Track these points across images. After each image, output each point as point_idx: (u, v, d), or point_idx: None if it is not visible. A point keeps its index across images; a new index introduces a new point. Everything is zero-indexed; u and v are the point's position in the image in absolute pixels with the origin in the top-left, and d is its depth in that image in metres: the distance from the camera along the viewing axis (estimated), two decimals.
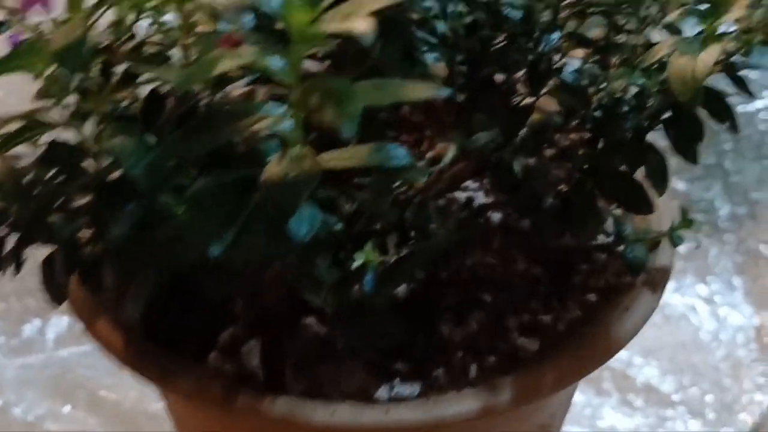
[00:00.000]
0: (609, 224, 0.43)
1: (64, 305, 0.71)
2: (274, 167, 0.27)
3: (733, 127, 0.31)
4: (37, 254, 0.34)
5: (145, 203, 0.26)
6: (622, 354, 0.78)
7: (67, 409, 0.64)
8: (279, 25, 0.34)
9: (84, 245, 0.29)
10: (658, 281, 0.38)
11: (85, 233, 0.30)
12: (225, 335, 0.36)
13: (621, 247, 0.40)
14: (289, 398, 0.33)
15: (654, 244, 0.40)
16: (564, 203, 0.37)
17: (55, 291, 0.31)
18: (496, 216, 0.44)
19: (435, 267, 0.40)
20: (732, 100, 0.93)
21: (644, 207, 0.35)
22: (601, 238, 0.43)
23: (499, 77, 0.42)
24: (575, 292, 0.40)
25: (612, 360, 0.80)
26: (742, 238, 0.81)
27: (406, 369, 0.36)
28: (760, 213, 0.82)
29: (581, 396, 0.72)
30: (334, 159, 0.29)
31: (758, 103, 0.82)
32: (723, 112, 0.31)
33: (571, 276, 0.41)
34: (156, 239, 0.27)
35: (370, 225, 0.35)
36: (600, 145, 0.35)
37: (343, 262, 0.36)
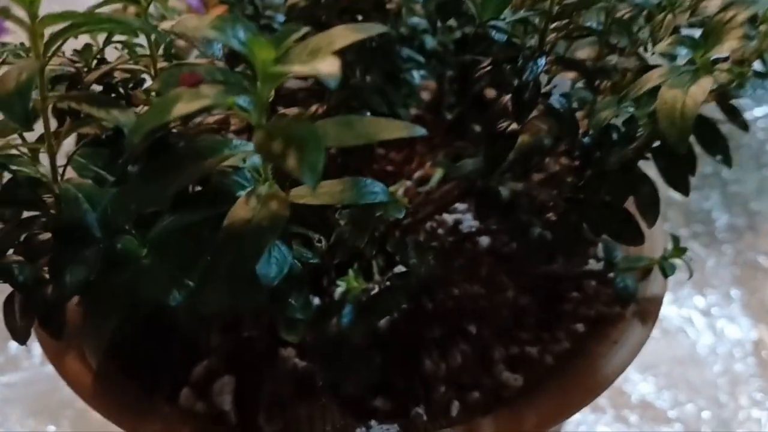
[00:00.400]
0: (600, 250, 0.42)
1: None
2: (240, 209, 0.25)
3: (727, 161, 0.29)
4: None
5: (103, 248, 0.25)
6: None
7: (52, 429, 0.63)
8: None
9: (44, 286, 0.28)
10: (648, 312, 0.36)
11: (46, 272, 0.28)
12: (199, 369, 0.35)
13: (611, 275, 0.38)
14: None
15: (645, 272, 0.38)
16: (551, 230, 0.35)
17: (17, 331, 0.29)
18: (484, 240, 0.43)
19: (419, 297, 0.39)
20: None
21: (634, 238, 0.33)
22: (593, 263, 0.42)
23: (490, 92, 0.41)
24: (564, 321, 0.38)
25: None
26: (740, 249, 0.80)
27: (385, 406, 0.35)
28: (759, 224, 0.80)
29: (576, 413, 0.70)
30: (307, 196, 0.27)
31: (757, 111, 0.81)
32: (716, 143, 0.29)
33: (561, 304, 0.40)
34: (115, 284, 0.26)
35: (349, 254, 0.34)
36: (588, 173, 0.34)
37: (324, 291, 0.35)
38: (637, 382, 0.73)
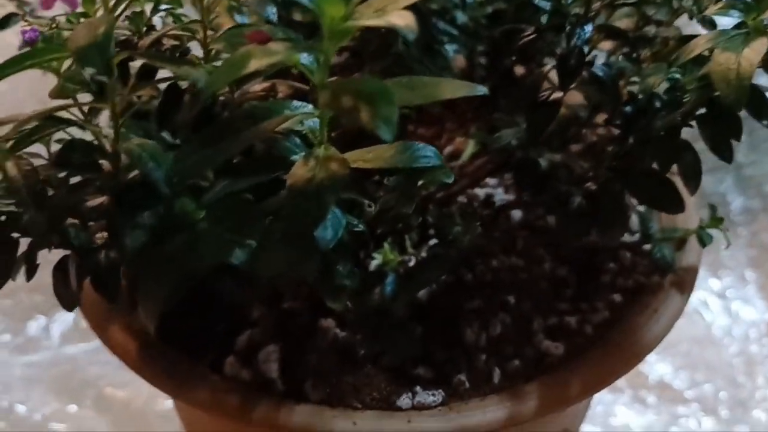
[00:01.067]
0: (634, 222, 0.42)
1: None
2: (300, 170, 0.25)
3: None
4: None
5: (161, 210, 0.25)
6: None
7: (73, 408, 0.63)
8: (299, 17, 0.32)
9: (98, 250, 0.28)
10: (686, 281, 0.37)
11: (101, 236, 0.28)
12: (242, 339, 0.35)
13: (647, 246, 0.38)
14: (308, 407, 0.31)
15: (681, 243, 0.39)
16: (591, 202, 0.35)
17: (68, 297, 0.29)
18: (517, 214, 0.43)
19: (458, 270, 0.39)
20: None
21: (676, 206, 0.33)
22: (627, 236, 0.42)
23: (519, 70, 0.41)
24: (602, 292, 0.39)
25: None
26: (755, 231, 0.80)
27: (427, 375, 0.35)
28: None
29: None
30: (360, 159, 0.27)
31: None
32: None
33: (598, 276, 0.40)
34: (173, 248, 0.26)
35: (391, 225, 0.34)
36: (630, 141, 0.34)
37: (361, 263, 0.35)
38: (654, 363, 0.74)
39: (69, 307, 0.30)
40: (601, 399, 0.72)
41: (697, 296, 0.80)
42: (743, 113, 0.41)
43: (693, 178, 0.32)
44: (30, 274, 0.28)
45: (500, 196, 0.44)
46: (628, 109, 0.34)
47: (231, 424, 0.32)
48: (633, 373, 0.77)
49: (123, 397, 0.63)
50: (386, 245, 0.37)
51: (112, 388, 0.63)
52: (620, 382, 0.75)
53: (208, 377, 0.33)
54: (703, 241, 0.36)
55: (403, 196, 0.31)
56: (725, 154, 0.31)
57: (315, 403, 0.32)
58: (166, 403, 0.62)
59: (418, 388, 0.33)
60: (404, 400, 0.32)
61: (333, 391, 0.33)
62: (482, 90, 0.24)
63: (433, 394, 0.33)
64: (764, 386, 0.74)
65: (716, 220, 0.37)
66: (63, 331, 0.68)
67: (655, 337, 0.35)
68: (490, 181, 0.44)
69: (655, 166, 0.33)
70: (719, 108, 0.30)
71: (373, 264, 0.36)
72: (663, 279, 0.37)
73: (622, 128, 0.34)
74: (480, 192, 0.44)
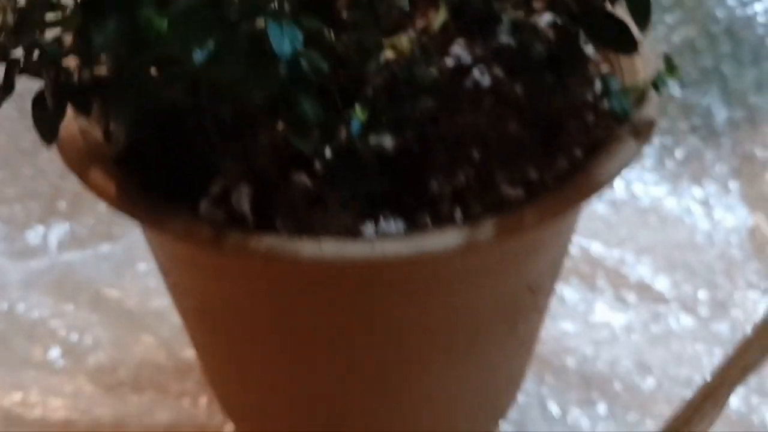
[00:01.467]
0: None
1: (65, 209, 0.71)
2: None
3: None
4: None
5: (127, 17, 0.26)
6: (615, 252, 0.79)
7: (70, 307, 0.65)
8: None
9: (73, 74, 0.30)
10: (641, 131, 0.38)
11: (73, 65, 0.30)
12: (216, 187, 0.37)
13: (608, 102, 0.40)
14: (277, 236, 0.33)
15: (640, 97, 0.40)
16: (549, 52, 0.37)
17: (47, 127, 0.31)
18: (486, 81, 0.44)
19: (424, 126, 0.40)
20: (730, 3, 0.91)
21: (629, 45, 0.35)
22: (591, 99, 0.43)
23: None
24: (564, 148, 0.40)
25: (605, 258, 0.80)
26: (738, 141, 0.81)
27: (394, 215, 0.37)
28: (758, 117, 0.82)
29: (574, 293, 0.72)
30: None
31: (757, 6, 0.81)
32: None
33: (561, 134, 0.41)
34: (139, 63, 0.28)
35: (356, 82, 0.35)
36: None
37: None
38: (635, 264, 0.75)
39: (49, 139, 0.32)
40: (582, 297, 0.73)
41: (680, 204, 0.81)
42: None
43: (641, 15, 0.33)
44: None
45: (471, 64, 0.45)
46: None
47: (204, 255, 0.34)
48: (614, 273, 0.79)
49: (117, 297, 0.65)
50: (357, 105, 0.38)
51: (107, 288, 0.66)
52: (601, 282, 0.77)
53: (183, 211, 0.35)
54: (657, 86, 0.38)
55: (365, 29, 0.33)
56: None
57: (284, 234, 0.34)
58: (159, 301, 0.64)
59: (382, 221, 0.35)
60: (368, 230, 0.34)
61: (302, 225, 0.35)
62: None
63: (396, 225, 0.35)
64: (744, 288, 0.76)
65: (672, 69, 0.38)
66: (60, 240, 0.71)
67: (609, 174, 0.36)
68: (463, 53, 0.46)
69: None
70: None
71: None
72: (620, 129, 0.39)
73: None
74: (450, 61, 0.45)
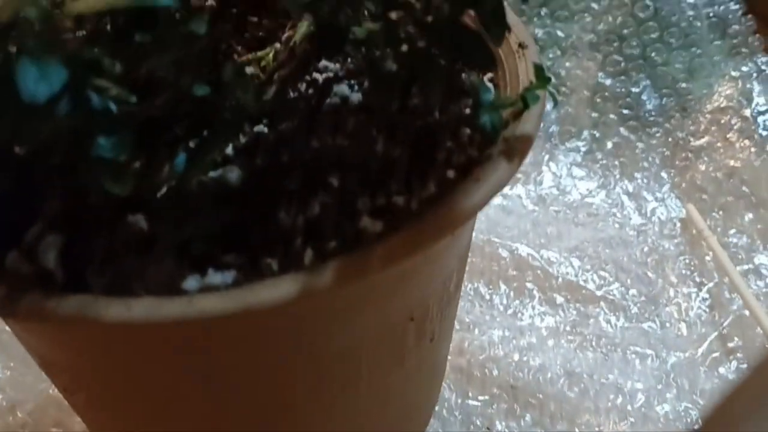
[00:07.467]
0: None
1: None
2: None
3: None
4: None
5: None
6: (544, 252, 0.74)
7: None
8: None
9: None
10: (516, 150, 0.33)
11: None
12: (32, 232, 0.31)
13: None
14: (81, 296, 0.28)
15: (517, 114, 0.35)
16: (404, 62, 0.31)
17: None
18: (355, 97, 0.39)
19: (276, 151, 0.35)
20: None
21: (485, 59, 0.29)
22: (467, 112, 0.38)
23: None
24: (436, 170, 0.35)
25: (533, 259, 0.75)
26: (669, 130, 0.76)
27: (238, 261, 0.31)
28: (689, 104, 0.77)
29: (502, 297, 0.68)
30: (79, 4, 0.23)
31: None
32: None
33: (434, 154, 0.36)
34: None
35: (176, 94, 0.30)
36: None
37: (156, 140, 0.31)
38: (563, 263, 0.71)
39: None
40: (509, 303, 0.69)
41: (610, 198, 0.76)
42: None
43: (495, 26, 0.28)
44: None
45: (340, 80, 0.40)
46: None
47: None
48: (542, 274, 0.74)
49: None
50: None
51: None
52: (529, 284, 0.72)
53: None
54: (527, 103, 0.32)
55: (162, 48, 0.27)
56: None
57: (94, 294, 0.29)
58: None
59: (210, 270, 0.30)
60: (191, 283, 0.29)
61: (115, 280, 0.29)
62: None
63: (224, 275, 0.29)
64: (676, 283, 0.71)
65: (542, 80, 0.33)
66: None
67: (474, 206, 0.31)
68: (332, 66, 0.40)
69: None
70: None
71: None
72: (491, 149, 0.34)
73: None
74: (319, 77, 0.40)
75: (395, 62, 0.32)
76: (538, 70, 0.33)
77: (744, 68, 0.74)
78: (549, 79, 0.32)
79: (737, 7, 0.74)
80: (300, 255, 0.32)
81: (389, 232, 0.32)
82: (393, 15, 0.34)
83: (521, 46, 0.39)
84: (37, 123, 0.24)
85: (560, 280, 0.67)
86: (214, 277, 0.29)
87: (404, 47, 0.32)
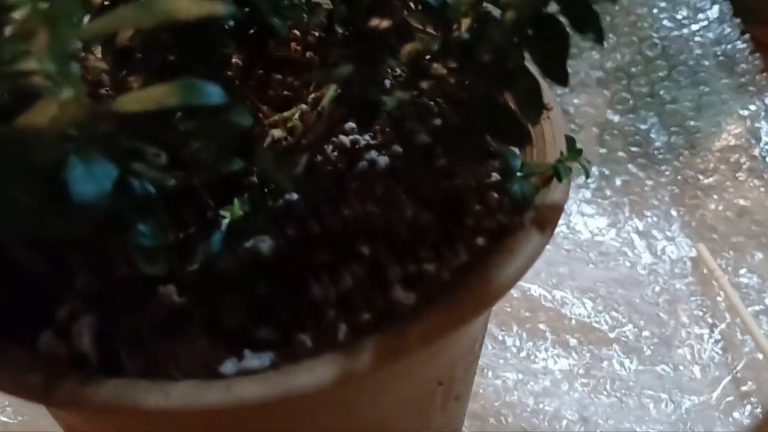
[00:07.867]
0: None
1: None
2: (36, 115, 0.21)
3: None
4: None
5: None
6: (556, 293, 0.74)
7: None
8: None
9: None
10: (547, 220, 0.33)
11: None
12: (63, 311, 0.31)
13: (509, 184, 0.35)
14: (117, 381, 0.27)
15: (546, 180, 0.35)
16: (436, 135, 0.31)
17: None
18: (382, 160, 0.39)
19: (305, 222, 0.35)
20: (666, 24, 0.86)
21: (519, 137, 0.29)
22: (496, 177, 0.38)
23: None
24: (466, 236, 0.35)
25: (546, 301, 0.75)
26: (678, 168, 0.77)
27: (270, 336, 0.31)
28: (698, 142, 0.77)
29: (515, 339, 0.67)
30: (128, 102, 0.23)
31: (693, 26, 0.76)
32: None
33: (463, 220, 0.36)
34: None
35: (213, 174, 0.30)
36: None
37: (185, 221, 0.31)
38: (575, 305, 0.70)
39: None
40: (522, 345, 0.69)
41: (620, 236, 0.76)
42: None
43: (530, 106, 0.28)
44: None
45: (368, 143, 0.40)
46: (465, 36, 0.30)
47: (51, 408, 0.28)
48: (555, 316, 0.74)
49: None
50: (236, 201, 0.33)
51: None
52: (542, 326, 0.72)
53: (10, 354, 0.29)
54: (559, 175, 0.32)
55: (207, 140, 0.27)
56: (558, 76, 0.27)
57: (130, 377, 0.28)
58: None
59: (246, 352, 0.29)
60: (228, 366, 0.29)
61: (152, 362, 0.29)
62: (222, 8, 0.20)
63: (261, 357, 0.29)
64: (689, 324, 0.71)
65: (574, 153, 0.33)
66: None
67: (509, 279, 0.31)
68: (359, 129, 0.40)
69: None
70: (547, 23, 0.26)
71: (224, 223, 0.32)
72: (522, 217, 0.33)
73: (459, 58, 0.30)
74: (346, 140, 0.40)
75: (427, 134, 0.32)
76: (570, 142, 0.33)
77: (752, 107, 0.74)
78: (580, 151, 0.32)
79: (744, 45, 0.75)
80: (334, 329, 0.31)
81: (423, 305, 0.31)
82: (423, 84, 0.34)
83: (546, 108, 0.39)
84: (80, 218, 0.23)
85: (573, 321, 0.67)
86: (252, 361, 0.29)
87: (437, 121, 0.32)
